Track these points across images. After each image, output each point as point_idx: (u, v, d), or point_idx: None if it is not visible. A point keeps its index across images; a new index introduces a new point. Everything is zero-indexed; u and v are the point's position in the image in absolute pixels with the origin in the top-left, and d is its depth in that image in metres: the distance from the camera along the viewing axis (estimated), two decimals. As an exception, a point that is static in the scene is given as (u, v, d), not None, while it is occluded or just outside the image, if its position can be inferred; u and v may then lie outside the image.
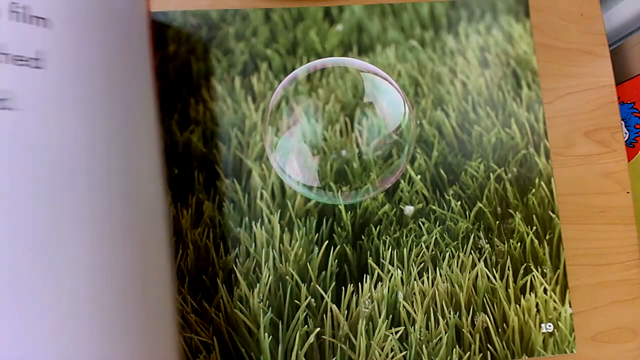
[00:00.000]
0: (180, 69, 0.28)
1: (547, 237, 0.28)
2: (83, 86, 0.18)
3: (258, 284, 0.27)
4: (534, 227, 0.28)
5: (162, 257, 0.22)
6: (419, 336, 0.27)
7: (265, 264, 0.27)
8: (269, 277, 0.27)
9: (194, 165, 0.27)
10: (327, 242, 0.27)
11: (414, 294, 0.27)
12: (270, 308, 0.27)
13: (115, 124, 0.19)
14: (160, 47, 0.28)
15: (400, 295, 0.27)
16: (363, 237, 0.28)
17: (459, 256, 0.28)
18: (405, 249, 0.28)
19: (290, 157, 0.28)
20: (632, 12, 0.35)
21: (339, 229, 0.28)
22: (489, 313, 0.27)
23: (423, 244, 0.28)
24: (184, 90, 0.28)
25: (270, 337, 0.26)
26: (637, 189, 0.31)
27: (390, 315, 0.27)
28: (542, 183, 0.29)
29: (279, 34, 0.29)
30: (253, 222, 0.27)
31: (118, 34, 0.20)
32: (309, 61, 0.29)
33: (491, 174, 0.29)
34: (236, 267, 0.27)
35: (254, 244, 0.27)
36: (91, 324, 0.18)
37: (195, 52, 0.28)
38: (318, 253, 0.27)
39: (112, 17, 0.20)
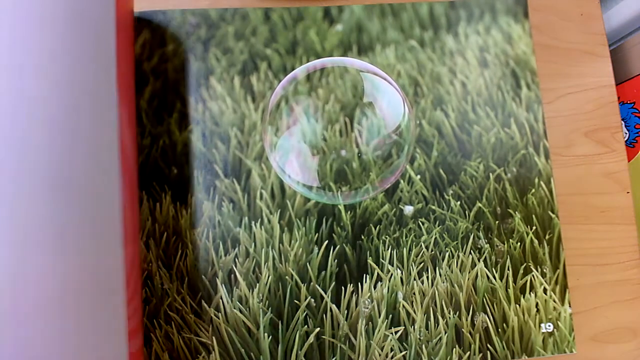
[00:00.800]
0: (179, 68, 0.28)
1: (547, 237, 0.28)
2: (23, 82, 0.18)
3: (258, 284, 0.27)
4: (534, 227, 0.28)
5: (116, 260, 0.21)
6: (418, 336, 0.27)
7: (265, 264, 0.27)
8: (268, 277, 0.27)
9: (193, 164, 0.27)
10: (326, 242, 0.27)
11: (414, 293, 0.27)
12: (270, 308, 0.27)
13: (62, 120, 0.19)
14: (159, 46, 0.28)
15: (400, 295, 0.27)
16: (363, 237, 0.28)
17: (458, 256, 0.28)
18: (404, 248, 0.28)
19: (290, 157, 0.28)
20: (632, 12, 0.35)
21: (339, 228, 0.28)
22: (489, 313, 0.27)
23: (423, 244, 0.28)
24: (183, 89, 0.28)
25: (270, 337, 0.26)
26: (637, 189, 0.31)
27: (390, 315, 0.27)
28: (542, 183, 0.29)
29: (278, 34, 0.29)
30: (253, 222, 0.27)
31: (67, 33, 0.20)
32: (308, 61, 0.29)
33: (491, 174, 0.29)
34: (236, 267, 0.27)
35: (253, 244, 0.27)
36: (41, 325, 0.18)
37: (194, 51, 0.28)
38: (318, 253, 0.27)
39: (60, 15, 0.20)
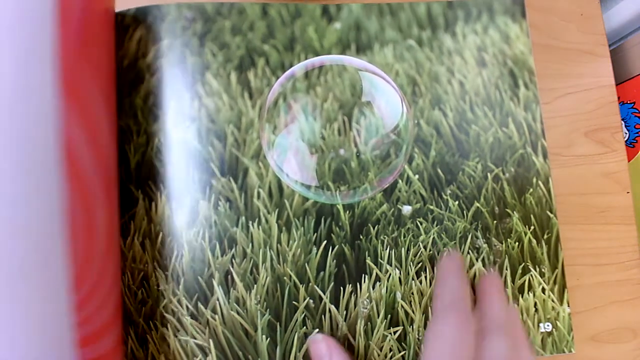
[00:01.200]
0: (174, 63, 0.27)
1: (545, 236, 0.28)
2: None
3: (255, 285, 0.26)
4: (532, 227, 0.28)
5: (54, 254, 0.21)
6: (417, 336, 0.27)
7: (262, 264, 0.26)
8: (266, 278, 0.26)
9: (188, 163, 0.27)
10: (325, 242, 0.27)
11: (412, 293, 0.27)
12: (267, 310, 0.26)
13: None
14: (154, 41, 0.27)
15: (399, 295, 0.27)
16: (361, 236, 0.27)
17: (457, 256, 0.28)
18: (403, 248, 0.27)
19: (288, 155, 0.27)
20: (632, 12, 0.35)
21: (337, 228, 0.27)
22: (487, 313, 0.27)
23: (421, 243, 0.28)
24: (179, 85, 0.27)
25: (268, 339, 0.26)
26: (637, 189, 0.31)
27: (389, 316, 0.27)
28: (540, 183, 0.29)
29: (276, 30, 0.29)
30: (250, 222, 0.27)
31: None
32: (306, 58, 0.28)
33: (489, 174, 0.29)
34: (233, 267, 0.26)
35: (251, 244, 0.26)
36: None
37: (190, 46, 0.27)
38: (316, 253, 0.27)
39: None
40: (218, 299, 0.26)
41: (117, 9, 0.27)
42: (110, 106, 0.25)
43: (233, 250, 0.26)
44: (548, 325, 0.27)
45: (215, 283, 0.26)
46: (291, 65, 0.28)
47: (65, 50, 0.21)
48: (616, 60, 0.32)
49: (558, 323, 0.27)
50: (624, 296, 0.29)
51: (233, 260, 0.26)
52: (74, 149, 0.21)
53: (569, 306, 0.28)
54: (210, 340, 0.25)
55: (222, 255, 0.26)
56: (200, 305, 0.26)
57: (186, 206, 0.26)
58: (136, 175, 0.26)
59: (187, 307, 0.26)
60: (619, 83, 0.33)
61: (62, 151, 0.21)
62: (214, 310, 0.26)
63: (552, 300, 0.28)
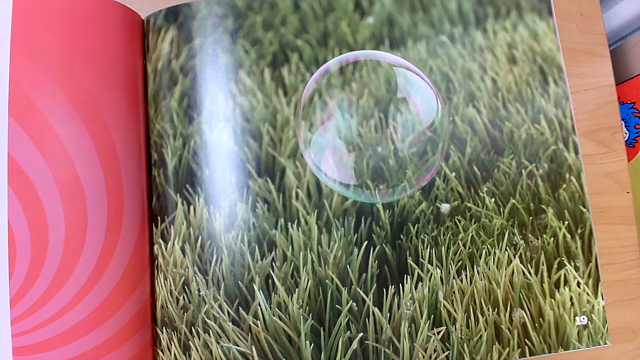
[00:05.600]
0: (207, 62, 0.26)
1: (579, 231, 0.29)
2: None
3: (297, 289, 0.25)
4: (566, 222, 0.29)
5: None
6: (460, 335, 0.27)
7: (303, 267, 0.26)
8: (308, 281, 0.26)
9: (225, 164, 0.25)
10: (366, 242, 0.26)
11: (454, 292, 0.27)
12: (310, 314, 0.25)
13: None
14: (187, 40, 0.26)
15: (441, 295, 0.27)
16: (402, 236, 0.27)
17: (495, 253, 0.28)
18: (443, 247, 0.27)
19: (325, 153, 0.27)
20: (632, 12, 0.36)
21: (378, 228, 0.27)
22: (526, 308, 0.27)
23: (460, 241, 0.27)
24: (212, 85, 0.26)
25: (312, 345, 0.25)
26: (637, 189, 0.31)
27: (432, 316, 0.26)
28: (572, 178, 0.29)
29: (309, 24, 0.28)
30: (289, 224, 0.26)
31: None
32: (340, 53, 0.28)
33: (523, 170, 0.29)
34: (273, 271, 0.25)
35: (291, 247, 0.26)
36: None
37: (221, 43, 0.26)
38: (358, 254, 0.26)
39: None
40: (259, 304, 0.25)
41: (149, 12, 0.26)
42: (90, 116, 0.24)
43: (273, 253, 0.25)
44: (584, 319, 0.28)
45: (256, 287, 0.25)
46: (325, 61, 0.27)
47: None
48: (616, 60, 0.33)
49: (593, 316, 0.28)
50: (624, 296, 0.29)
51: (273, 264, 0.25)
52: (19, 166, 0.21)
53: (603, 299, 0.28)
54: (253, 347, 0.25)
55: (262, 259, 0.25)
56: (241, 310, 0.25)
57: (224, 209, 0.25)
58: (174, 179, 0.25)
59: (228, 312, 0.24)
60: (619, 83, 0.33)
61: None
62: (255, 316, 0.25)
63: (587, 294, 0.28)
